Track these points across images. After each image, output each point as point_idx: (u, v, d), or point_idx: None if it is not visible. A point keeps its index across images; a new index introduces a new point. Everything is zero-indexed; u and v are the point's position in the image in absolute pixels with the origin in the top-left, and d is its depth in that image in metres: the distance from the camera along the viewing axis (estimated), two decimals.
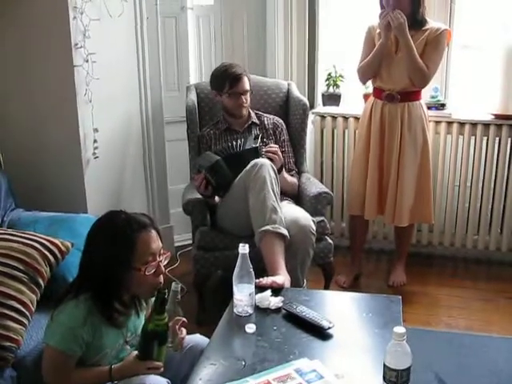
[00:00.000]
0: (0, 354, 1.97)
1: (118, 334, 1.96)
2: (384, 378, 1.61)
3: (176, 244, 3.90)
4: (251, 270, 2.12)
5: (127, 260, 1.86)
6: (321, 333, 1.98)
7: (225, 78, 3.24)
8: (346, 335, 2.01)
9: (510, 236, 3.73)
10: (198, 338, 2.09)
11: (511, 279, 3.59)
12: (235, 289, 2.12)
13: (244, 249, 2.12)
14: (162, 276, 1.93)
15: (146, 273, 1.87)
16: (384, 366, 1.60)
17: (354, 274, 3.59)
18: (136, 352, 1.90)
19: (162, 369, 1.88)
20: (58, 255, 2.27)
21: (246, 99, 3.27)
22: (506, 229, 3.71)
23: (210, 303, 3.13)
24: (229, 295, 2.17)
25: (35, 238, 2.27)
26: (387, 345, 1.62)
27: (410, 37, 3.10)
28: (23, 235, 2.27)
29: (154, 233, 1.92)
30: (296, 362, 1.65)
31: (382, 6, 3.17)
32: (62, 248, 2.30)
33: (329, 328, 1.99)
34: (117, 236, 1.87)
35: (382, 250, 3.94)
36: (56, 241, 2.30)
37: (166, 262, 1.97)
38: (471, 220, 3.75)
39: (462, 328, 3.05)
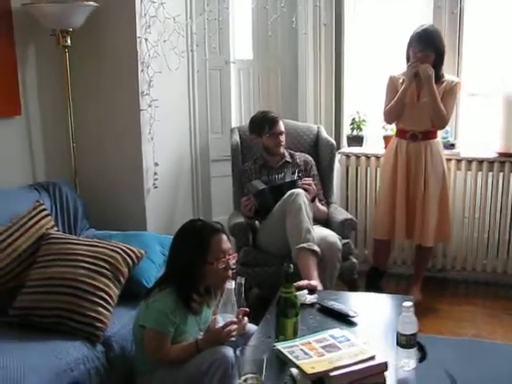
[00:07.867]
0: (94, 331, 2.45)
1: (194, 323, 2.40)
2: (397, 342, 2.07)
3: None
4: (234, 302, 2.37)
5: (204, 256, 2.33)
6: (347, 320, 2.44)
7: (264, 122, 3.70)
8: (368, 321, 2.47)
9: None
10: (250, 325, 2.49)
11: None
12: (218, 318, 2.36)
13: (230, 284, 2.37)
14: (230, 271, 2.39)
15: (219, 266, 2.34)
16: (397, 332, 2.06)
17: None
18: (219, 323, 2.28)
19: (236, 327, 2.27)
20: (135, 260, 2.74)
21: (283, 139, 3.73)
22: (511, 254, 4.11)
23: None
24: (265, 307, 2.58)
25: (117, 245, 2.75)
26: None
27: (435, 87, 3.61)
28: (107, 243, 2.76)
29: (224, 236, 2.40)
30: (330, 331, 2.14)
31: (408, 58, 3.68)
32: (138, 254, 2.77)
33: (354, 316, 2.45)
34: (196, 237, 2.35)
35: (401, 274, 4.31)
36: (133, 248, 2.78)
37: (234, 261, 2.44)
38: (480, 247, 4.15)
39: (469, 336, 3.42)
